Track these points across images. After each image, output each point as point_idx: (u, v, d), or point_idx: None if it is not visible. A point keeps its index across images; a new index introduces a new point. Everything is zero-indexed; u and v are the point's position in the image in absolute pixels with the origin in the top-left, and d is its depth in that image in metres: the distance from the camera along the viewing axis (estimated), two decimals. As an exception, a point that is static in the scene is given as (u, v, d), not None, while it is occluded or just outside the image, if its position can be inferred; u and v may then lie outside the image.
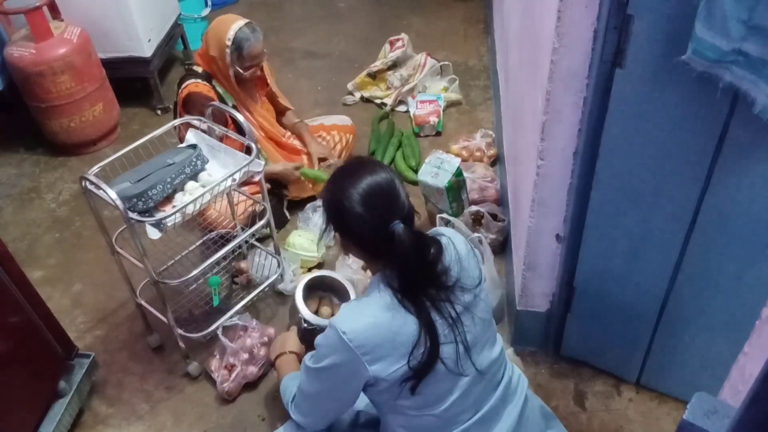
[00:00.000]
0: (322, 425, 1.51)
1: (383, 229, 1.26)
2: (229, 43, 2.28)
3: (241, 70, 2.34)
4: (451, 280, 1.31)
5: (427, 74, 3.35)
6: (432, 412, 1.33)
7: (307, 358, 1.40)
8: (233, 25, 2.29)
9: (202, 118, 2.07)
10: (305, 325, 1.98)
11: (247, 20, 2.33)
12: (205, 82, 2.34)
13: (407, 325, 1.26)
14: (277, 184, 2.56)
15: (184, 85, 2.34)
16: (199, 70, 2.39)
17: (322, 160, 2.63)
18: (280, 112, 2.75)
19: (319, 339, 1.35)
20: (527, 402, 1.48)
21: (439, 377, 1.29)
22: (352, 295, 2.10)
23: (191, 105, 2.27)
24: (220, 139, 2.04)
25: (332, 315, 2.11)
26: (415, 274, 1.27)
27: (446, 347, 1.28)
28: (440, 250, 1.31)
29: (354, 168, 1.35)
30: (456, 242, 1.38)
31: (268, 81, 2.59)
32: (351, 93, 3.41)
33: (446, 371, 1.29)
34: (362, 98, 3.38)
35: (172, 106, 3.32)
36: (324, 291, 2.19)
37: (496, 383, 1.41)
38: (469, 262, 1.37)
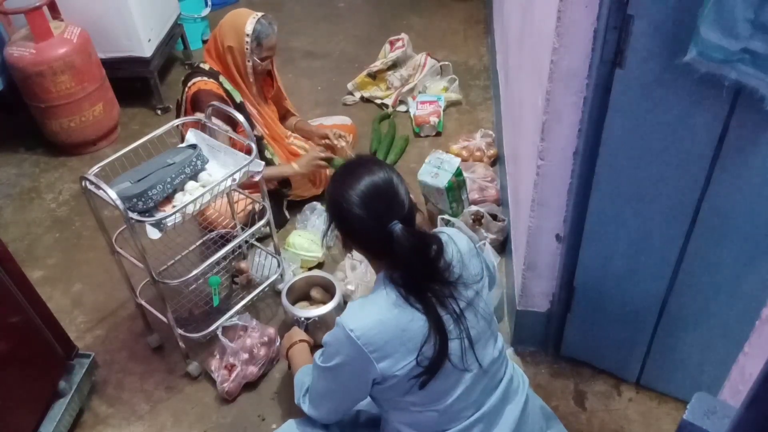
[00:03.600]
0: (335, 418, 1.53)
1: (382, 229, 1.26)
2: (249, 33, 2.32)
3: (258, 61, 2.38)
4: (454, 275, 1.32)
5: (427, 74, 3.35)
6: (435, 407, 1.34)
7: (317, 357, 1.42)
8: (251, 17, 2.34)
9: (202, 118, 2.07)
10: (303, 320, 2.02)
11: (262, 13, 2.39)
12: (212, 80, 2.35)
13: (414, 321, 1.27)
14: (284, 183, 2.57)
15: (191, 83, 2.34)
16: (206, 67, 2.39)
17: (322, 137, 2.68)
18: (282, 115, 2.75)
19: (327, 337, 1.36)
20: (528, 401, 1.48)
21: (444, 372, 1.30)
22: (337, 287, 2.14)
23: (200, 102, 2.28)
24: (229, 137, 2.05)
25: (322, 301, 2.17)
26: (418, 272, 1.28)
27: (452, 342, 1.29)
28: (441, 247, 1.32)
29: (353, 168, 1.35)
30: (457, 240, 1.39)
31: (277, 79, 2.61)
32: (351, 93, 3.42)
33: (451, 367, 1.30)
34: (362, 98, 3.38)
35: (173, 106, 3.34)
36: (309, 287, 2.24)
37: (498, 381, 1.42)
38: (470, 259, 1.38)
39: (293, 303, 2.15)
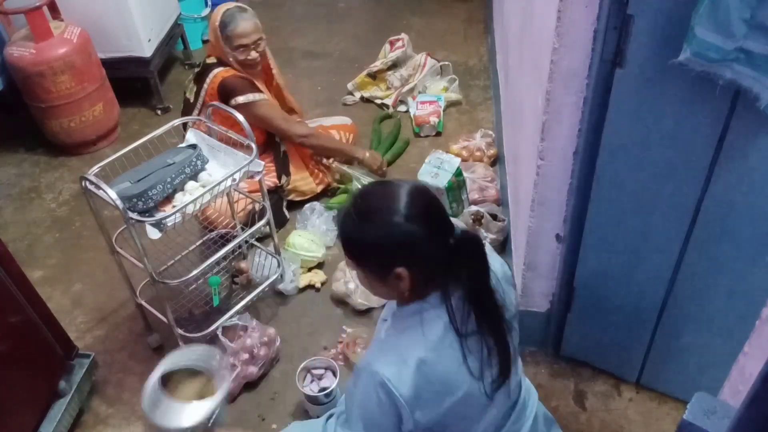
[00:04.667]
0: None
1: (446, 241, 1.14)
2: (217, 24, 2.33)
3: (230, 50, 2.36)
4: (500, 300, 1.21)
5: (427, 74, 3.35)
6: None
7: (339, 426, 1.25)
8: (224, 7, 2.35)
9: (201, 118, 2.07)
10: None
11: (239, 4, 2.38)
12: (227, 67, 2.38)
13: (456, 359, 1.16)
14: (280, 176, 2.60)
15: (212, 75, 2.36)
16: (214, 60, 2.42)
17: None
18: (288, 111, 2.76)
19: (353, 395, 1.20)
20: (538, 416, 1.45)
21: (472, 402, 1.21)
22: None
23: (233, 87, 2.33)
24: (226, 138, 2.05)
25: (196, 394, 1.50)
26: (484, 288, 1.16)
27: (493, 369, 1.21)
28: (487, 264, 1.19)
29: (383, 191, 1.19)
30: (492, 261, 1.27)
31: (276, 77, 2.61)
32: (351, 93, 3.41)
33: (486, 398, 1.22)
34: (362, 98, 3.38)
35: (173, 106, 3.34)
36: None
37: (514, 401, 1.38)
38: (507, 286, 1.30)
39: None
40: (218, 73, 2.35)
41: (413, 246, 1.15)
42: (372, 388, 1.15)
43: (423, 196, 1.17)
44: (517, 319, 1.33)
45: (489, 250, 1.29)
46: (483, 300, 1.17)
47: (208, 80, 2.36)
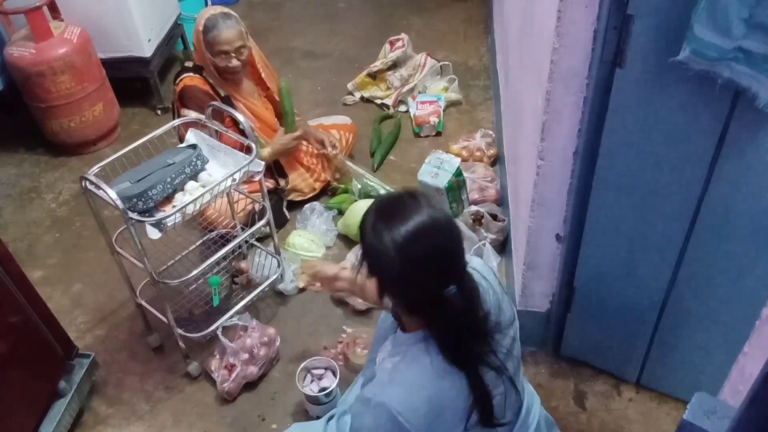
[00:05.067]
0: None
1: (435, 293, 1.09)
2: (200, 30, 2.31)
3: (211, 57, 2.33)
4: (492, 326, 1.18)
5: (427, 74, 3.35)
6: None
7: None
8: (207, 12, 2.32)
9: (201, 117, 2.07)
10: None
11: (225, 10, 2.35)
12: (197, 75, 2.36)
13: (460, 390, 1.14)
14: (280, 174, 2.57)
15: (178, 80, 2.37)
16: (190, 65, 2.41)
17: (319, 142, 2.65)
18: (280, 114, 2.75)
19: (361, 424, 1.16)
20: (540, 421, 1.44)
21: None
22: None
23: (188, 98, 2.30)
24: (220, 137, 2.04)
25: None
26: (466, 335, 1.13)
27: (494, 400, 1.18)
28: (480, 298, 1.16)
29: (399, 209, 1.11)
30: (487, 275, 1.24)
31: (266, 80, 2.58)
32: (351, 93, 3.41)
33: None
34: (362, 98, 3.38)
35: (171, 106, 3.34)
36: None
37: (518, 407, 1.36)
38: (503, 297, 1.27)
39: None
40: (183, 79, 2.34)
41: (389, 274, 1.11)
42: (383, 421, 1.11)
43: (434, 235, 1.09)
44: (517, 327, 1.29)
45: (480, 263, 1.27)
46: (459, 350, 1.14)
47: (176, 83, 2.36)
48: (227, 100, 2.37)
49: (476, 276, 1.19)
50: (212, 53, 2.33)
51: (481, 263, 1.29)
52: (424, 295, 1.11)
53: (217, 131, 2.04)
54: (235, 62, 2.34)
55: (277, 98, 2.60)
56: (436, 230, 1.09)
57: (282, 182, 2.59)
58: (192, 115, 2.19)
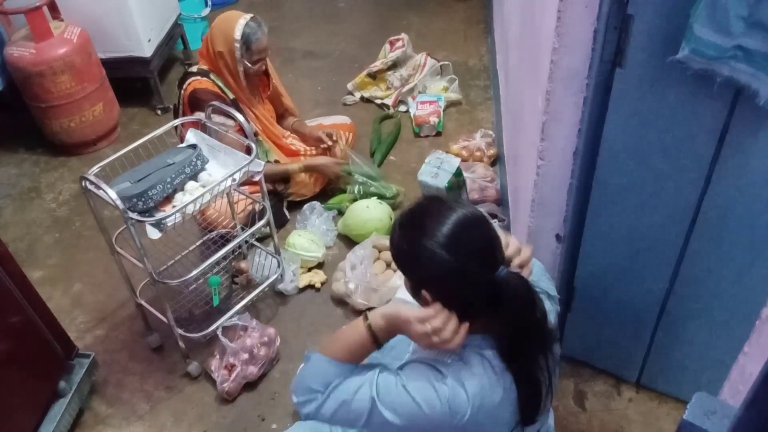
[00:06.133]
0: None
1: (487, 280, 1.06)
2: (238, 38, 2.30)
3: (249, 64, 2.37)
4: (551, 327, 1.15)
5: (427, 74, 3.35)
6: None
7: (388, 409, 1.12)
8: (240, 20, 2.32)
9: (201, 118, 2.07)
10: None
11: (251, 15, 2.36)
12: (205, 78, 2.36)
13: (512, 401, 1.12)
14: (282, 180, 2.58)
15: (186, 83, 2.35)
16: (194, 69, 2.40)
17: (317, 140, 2.69)
18: (280, 114, 2.75)
19: (416, 400, 1.10)
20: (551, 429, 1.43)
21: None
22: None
23: (199, 101, 2.29)
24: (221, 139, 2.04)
25: None
26: (529, 328, 1.10)
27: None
28: (534, 291, 1.12)
29: (431, 208, 1.13)
30: (538, 283, 1.21)
31: (273, 79, 2.60)
32: (351, 93, 3.41)
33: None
34: (362, 98, 3.38)
35: (171, 107, 3.34)
36: None
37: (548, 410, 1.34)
38: (553, 300, 1.24)
39: None
40: (192, 82, 2.34)
41: (440, 275, 1.10)
42: (454, 396, 1.09)
43: (473, 228, 1.10)
44: (557, 339, 1.25)
45: (539, 270, 1.24)
46: (522, 349, 1.11)
47: (184, 87, 2.36)
48: (235, 103, 2.38)
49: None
50: (251, 60, 2.36)
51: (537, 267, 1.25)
52: (481, 287, 1.08)
53: (218, 132, 2.04)
54: (263, 66, 2.45)
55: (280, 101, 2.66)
56: (470, 219, 1.10)
57: (282, 186, 2.60)
58: (198, 116, 2.20)
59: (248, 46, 2.32)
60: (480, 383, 1.10)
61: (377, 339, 1.19)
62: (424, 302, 1.15)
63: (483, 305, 1.11)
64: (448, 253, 1.07)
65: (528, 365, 1.12)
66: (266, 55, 2.42)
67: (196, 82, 2.34)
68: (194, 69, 2.41)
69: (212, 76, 2.38)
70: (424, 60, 3.39)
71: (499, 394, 1.11)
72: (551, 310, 1.24)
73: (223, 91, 2.37)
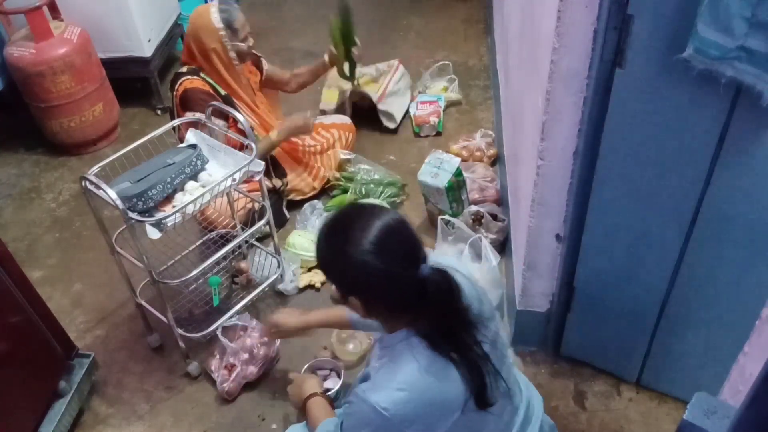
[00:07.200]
0: None
1: (412, 276, 1.13)
2: (220, 26, 2.30)
3: (240, 44, 2.36)
4: (474, 316, 1.21)
5: (399, 79, 3.19)
6: None
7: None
8: (211, 9, 2.31)
9: (202, 117, 2.07)
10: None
11: (214, 0, 2.35)
12: (195, 77, 2.35)
13: (450, 382, 1.17)
14: (278, 174, 2.57)
15: (178, 84, 2.35)
16: (184, 69, 2.39)
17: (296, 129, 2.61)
18: (286, 82, 2.76)
19: (350, 417, 1.22)
20: (543, 423, 1.43)
21: (472, 417, 1.22)
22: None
23: (191, 101, 2.28)
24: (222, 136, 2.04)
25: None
26: (454, 318, 1.17)
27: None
28: (457, 284, 1.19)
29: (351, 218, 1.19)
30: (463, 270, 1.28)
31: (263, 64, 2.60)
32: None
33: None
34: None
35: (170, 107, 3.34)
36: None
37: (518, 403, 1.37)
38: (481, 291, 1.30)
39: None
40: (182, 83, 2.33)
41: (369, 281, 1.15)
42: (370, 416, 1.16)
43: (395, 233, 1.16)
44: (498, 322, 1.32)
45: (451, 261, 1.31)
46: (451, 337, 1.18)
47: (175, 88, 2.35)
48: (228, 99, 2.37)
49: (450, 270, 1.20)
50: (240, 38, 2.36)
51: (452, 261, 1.33)
52: (405, 285, 1.15)
53: (218, 131, 2.04)
54: (251, 41, 2.42)
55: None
56: (392, 224, 1.16)
57: (279, 182, 2.59)
58: (198, 116, 2.19)
59: (231, 27, 2.31)
60: (412, 373, 1.16)
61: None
62: (352, 307, 1.21)
63: (410, 302, 1.16)
64: (375, 260, 1.12)
65: (460, 350, 1.17)
66: (249, 28, 2.39)
67: (187, 82, 2.33)
68: (184, 69, 2.39)
69: (202, 74, 2.37)
70: (396, 64, 3.28)
71: (435, 375, 1.16)
72: (477, 296, 1.28)
73: (214, 89, 2.37)
